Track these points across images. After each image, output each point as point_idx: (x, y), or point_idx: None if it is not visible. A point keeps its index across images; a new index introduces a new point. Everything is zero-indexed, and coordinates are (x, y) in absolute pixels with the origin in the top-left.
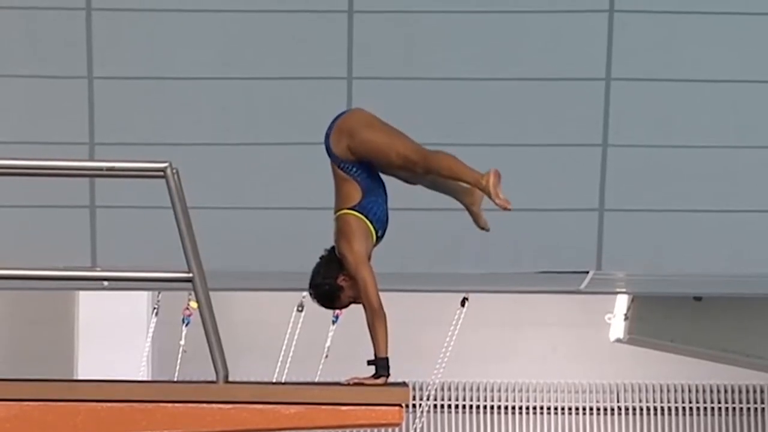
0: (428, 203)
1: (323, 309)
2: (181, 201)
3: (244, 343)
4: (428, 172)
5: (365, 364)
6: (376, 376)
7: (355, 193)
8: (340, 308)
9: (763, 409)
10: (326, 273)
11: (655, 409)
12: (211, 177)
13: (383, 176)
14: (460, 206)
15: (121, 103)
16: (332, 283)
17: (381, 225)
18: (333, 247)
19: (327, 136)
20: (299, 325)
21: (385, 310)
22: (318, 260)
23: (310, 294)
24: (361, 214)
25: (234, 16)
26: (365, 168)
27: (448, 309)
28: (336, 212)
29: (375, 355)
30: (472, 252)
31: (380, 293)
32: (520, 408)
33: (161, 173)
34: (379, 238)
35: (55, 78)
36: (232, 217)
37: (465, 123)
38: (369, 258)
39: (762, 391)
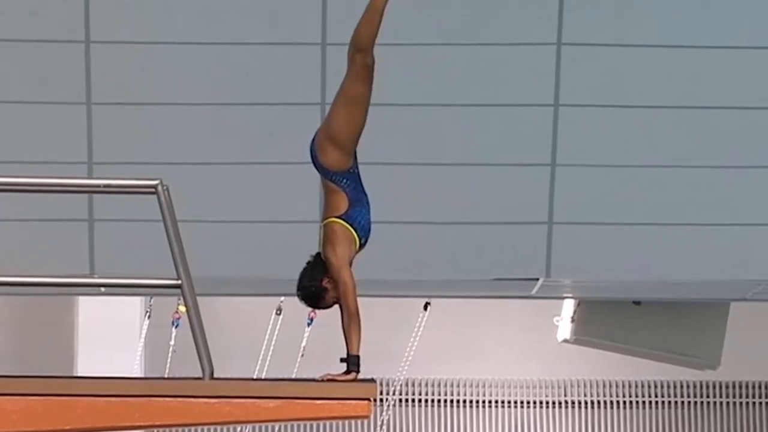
0: (396, 216)
1: (298, 312)
2: (170, 214)
3: (227, 344)
4: (362, 50)
5: (337, 362)
6: (347, 372)
7: (342, 204)
8: (325, 308)
9: (695, 402)
10: (312, 276)
11: (599, 402)
12: (198, 193)
13: (367, 188)
14: (425, 219)
15: (117, 126)
16: (317, 285)
17: (364, 234)
18: (319, 253)
19: (312, 153)
20: (277, 327)
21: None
22: (305, 264)
23: (298, 295)
24: (347, 222)
25: (225, 46)
26: (353, 179)
27: (412, 312)
28: (323, 220)
29: (347, 353)
30: (434, 260)
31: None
32: (477, 402)
33: (153, 190)
34: (362, 246)
35: (56, 104)
36: (217, 229)
37: (417, 144)
38: (351, 264)
39: (694, 386)
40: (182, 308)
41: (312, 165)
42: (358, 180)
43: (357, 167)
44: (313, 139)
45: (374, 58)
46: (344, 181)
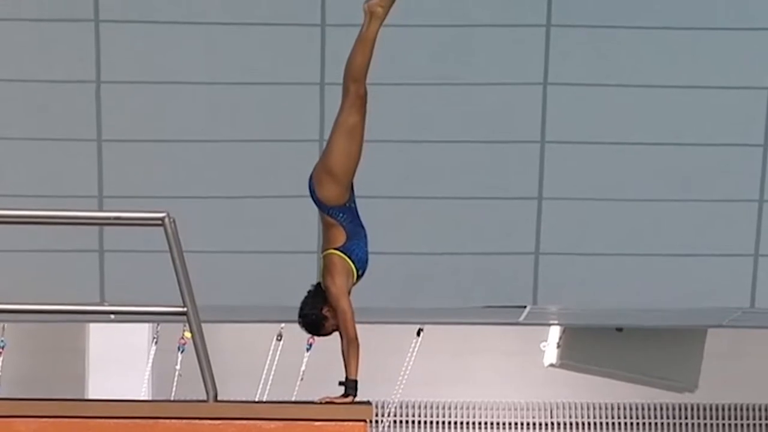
0: (390, 248)
1: (298, 338)
2: (177, 245)
3: (231, 368)
4: (356, 80)
5: (335, 385)
6: (345, 395)
7: (341, 237)
8: (325, 335)
9: (674, 423)
10: (313, 304)
11: (583, 424)
12: (204, 225)
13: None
14: (418, 250)
15: (126, 162)
16: (317, 313)
17: (362, 265)
18: (319, 283)
19: (311, 188)
20: (278, 353)
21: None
22: (306, 293)
23: (299, 322)
24: (345, 254)
25: (230, 86)
26: (350, 213)
27: (406, 338)
28: (323, 252)
29: (346, 377)
30: (426, 289)
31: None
32: (468, 423)
33: (160, 222)
34: (359, 276)
35: (68, 140)
36: (221, 259)
37: (410, 178)
38: (349, 293)
39: (673, 408)
40: (188, 334)
41: (311, 199)
42: (355, 214)
43: (354, 201)
44: (312, 175)
45: (366, 89)
46: (341, 215)
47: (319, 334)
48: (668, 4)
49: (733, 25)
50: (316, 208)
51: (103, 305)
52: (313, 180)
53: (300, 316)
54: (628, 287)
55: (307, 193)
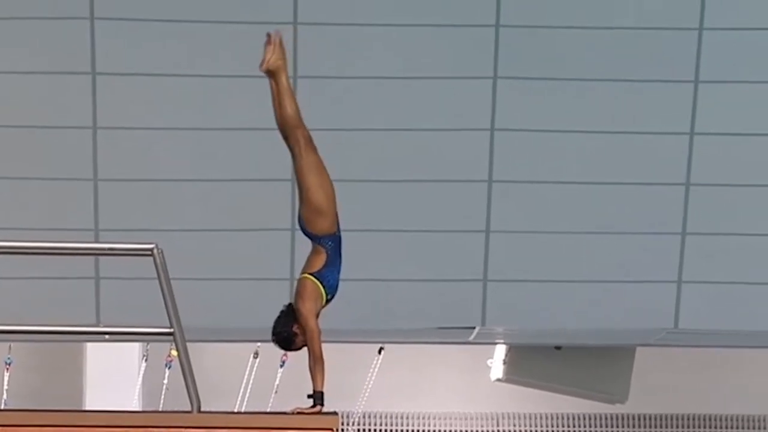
0: (356, 275)
1: (273, 356)
2: (164, 273)
3: (213, 383)
4: (297, 127)
5: (305, 398)
6: (313, 406)
7: (319, 263)
8: (295, 350)
9: (608, 431)
10: (284, 323)
11: None
12: (188, 255)
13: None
14: (380, 278)
15: (120, 199)
16: (288, 331)
17: (332, 291)
18: (291, 303)
19: (302, 229)
20: (255, 369)
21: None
22: (279, 313)
23: (272, 339)
24: (318, 280)
25: (203, 133)
26: (336, 242)
27: (369, 356)
28: (301, 274)
29: (314, 389)
30: (387, 312)
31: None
32: (424, 431)
33: (149, 252)
34: (328, 300)
35: (68, 180)
36: (205, 285)
37: (373, 215)
38: (318, 315)
39: (609, 418)
40: (174, 352)
41: (304, 235)
42: (339, 243)
43: (339, 231)
44: (300, 217)
45: (307, 129)
46: (329, 243)
47: (289, 350)
48: (596, 61)
49: (654, 77)
50: (288, 242)
51: (99, 326)
52: (303, 221)
53: (273, 333)
54: (565, 310)
55: (281, 227)
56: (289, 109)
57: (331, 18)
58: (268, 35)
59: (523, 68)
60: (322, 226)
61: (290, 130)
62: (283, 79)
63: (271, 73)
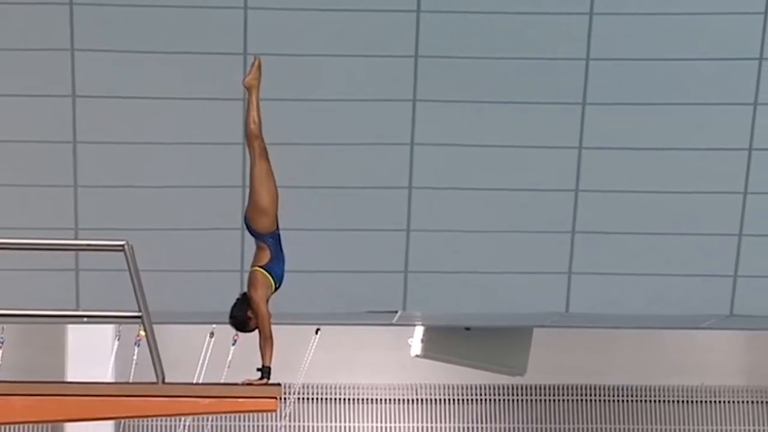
0: (298, 267)
1: (226, 335)
2: (134, 265)
3: (175, 359)
4: (257, 137)
5: (254, 371)
6: (261, 378)
7: (265, 257)
8: (249, 332)
9: (510, 399)
10: (239, 308)
11: (441, 400)
12: (155, 250)
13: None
14: (318, 269)
15: (97, 203)
16: (243, 315)
17: (279, 280)
18: (245, 292)
19: (248, 226)
20: (210, 347)
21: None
22: (235, 300)
23: (229, 322)
24: (267, 271)
25: (171, 146)
26: (276, 239)
27: (308, 335)
28: (251, 268)
29: (262, 364)
30: (323, 299)
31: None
32: (353, 399)
33: (121, 248)
34: (276, 288)
35: (51, 187)
36: (168, 276)
37: (313, 215)
38: (268, 301)
39: (510, 388)
40: (142, 333)
41: (248, 232)
42: (279, 240)
43: (279, 230)
44: (246, 215)
45: (264, 141)
46: (270, 240)
47: (244, 331)
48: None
49: (547, 100)
50: (239, 240)
51: (78, 311)
52: (248, 218)
53: (230, 318)
54: (473, 297)
55: (233, 227)
56: (251, 122)
57: (275, 50)
58: (255, 58)
59: (437, 92)
60: (264, 224)
61: (251, 139)
62: (253, 96)
63: (247, 89)
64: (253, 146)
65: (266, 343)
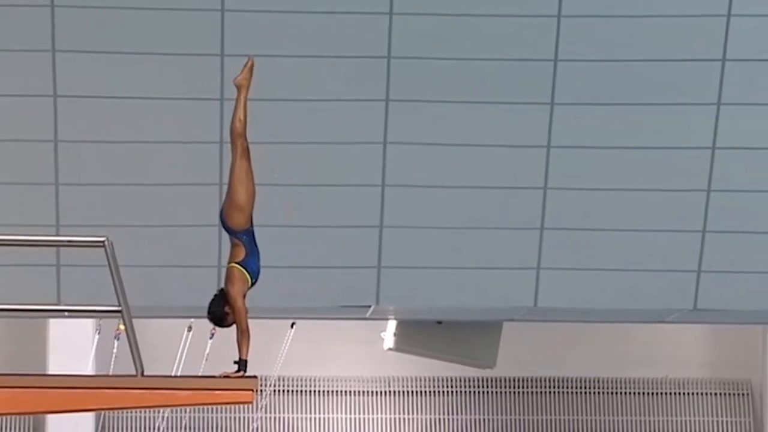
0: (274, 263)
1: (204, 329)
2: (114, 261)
3: (154, 352)
4: (241, 136)
5: (231, 364)
6: (238, 371)
7: (241, 253)
8: (227, 326)
9: (479, 391)
10: (217, 304)
11: (413, 392)
12: (135, 246)
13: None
14: (293, 265)
15: (78, 200)
16: (221, 310)
17: (255, 276)
18: (222, 288)
19: (222, 222)
20: (189, 340)
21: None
22: (213, 296)
23: (207, 317)
24: (243, 267)
25: (150, 145)
26: (250, 236)
27: (284, 329)
28: (228, 264)
29: (239, 357)
30: (298, 293)
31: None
32: (328, 391)
33: (101, 244)
34: (253, 284)
35: (33, 185)
36: (147, 271)
37: (291, 213)
38: (244, 296)
39: (480, 380)
40: (122, 327)
41: (222, 227)
42: (253, 237)
43: (253, 227)
44: (222, 210)
45: (248, 142)
46: (244, 237)
47: (222, 326)
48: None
49: (519, 101)
50: (216, 236)
51: (59, 305)
52: (224, 214)
53: (208, 313)
54: (445, 291)
55: (210, 224)
56: (237, 121)
57: (251, 51)
58: (248, 59)
59: (409, 92)
60: (239, 221)
61: (235, 137)
62: (242, 96)
63: (237, 88)
64: (236, 144)
65: (243, 336)
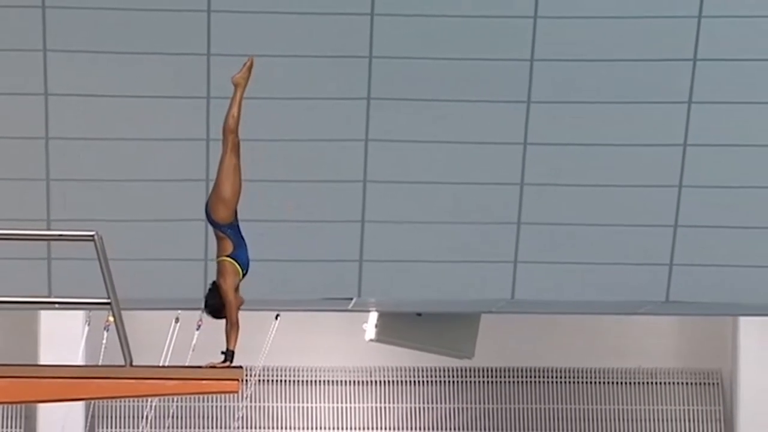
0: (260, 256)
1: (191, 320)
2: (103, 255)
3: (142, 343)
4: (232, 132)
5: (218, 354)
6: (224, 361)
7: (229, 247)
8: (224, 318)
9: (458, 381)
10: (212, 296)
11: (393, 381)
12: (124, 240)
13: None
14: (277, 258)
15: (68, 195)
16: (217, 303)
17: (245, 267)
18: (215, 281)
19: (207, 214)
20: (176, 331)
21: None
22: (208, 289)
23: (205, 310)
24: (233, 260)
25: (139, 142)
26: (235, 230)
27: (269, 320)
28: (217, 258)
29: (227, 348)
30: (283, 286)
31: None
32: (312, 381)
33: (91, 238)
34: (244, 275)
35: (24, 180)
36: (136, 264)
37: (275, 208)
38: (237, 288)
39: (458, 370)
40: (111, 318)
41: (207, 221)
42: (238, 230)
43: (237, 221)
44: (207, 204)
45: (239, 138)
46: (229, 231)
47: (219, 317)
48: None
49: (493, 99)
50: (203, 231)
51: (50, 298)
52: (209, 208)
53: (205, 306)
54: (425, 284)
55: (197, 218)
56: (231, 117)
57: (238, 51)
58: (249, 59)
59: (390, 91)
60: (223, 215)
61: (227, 133)
62: (238, 93)
63: (234, 85)
64: (227, 140)
65: (232, 328)
